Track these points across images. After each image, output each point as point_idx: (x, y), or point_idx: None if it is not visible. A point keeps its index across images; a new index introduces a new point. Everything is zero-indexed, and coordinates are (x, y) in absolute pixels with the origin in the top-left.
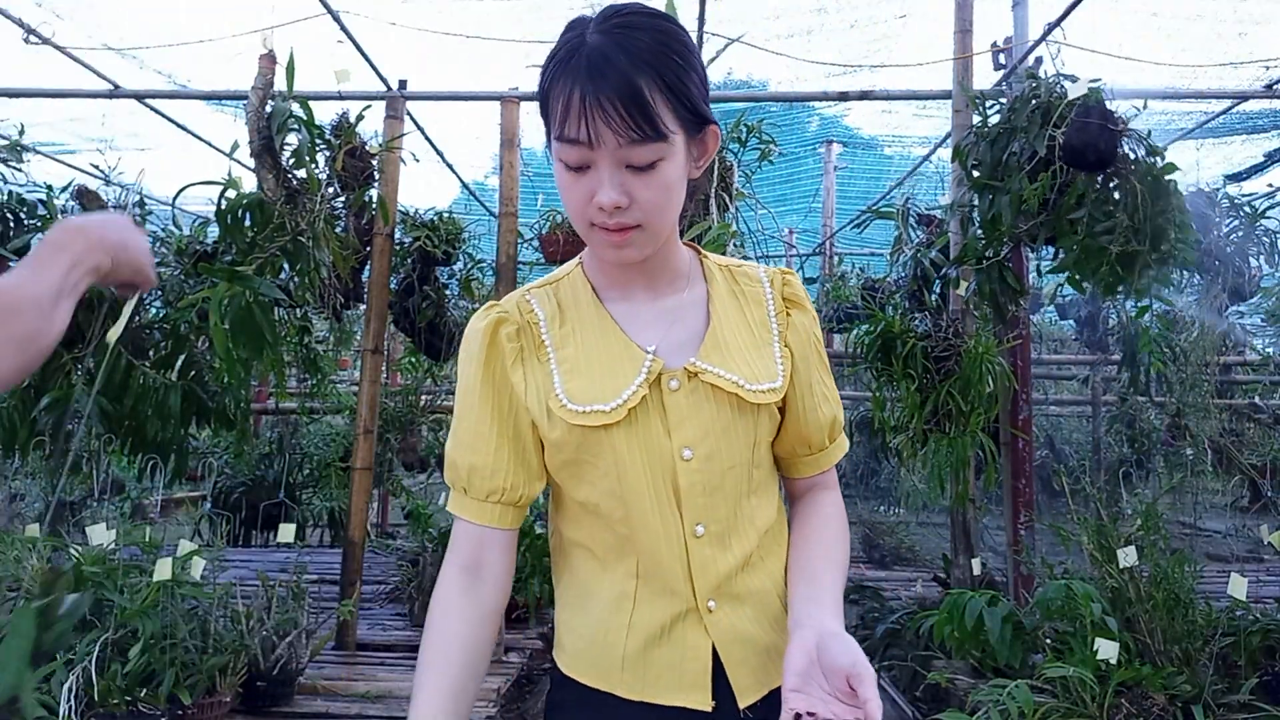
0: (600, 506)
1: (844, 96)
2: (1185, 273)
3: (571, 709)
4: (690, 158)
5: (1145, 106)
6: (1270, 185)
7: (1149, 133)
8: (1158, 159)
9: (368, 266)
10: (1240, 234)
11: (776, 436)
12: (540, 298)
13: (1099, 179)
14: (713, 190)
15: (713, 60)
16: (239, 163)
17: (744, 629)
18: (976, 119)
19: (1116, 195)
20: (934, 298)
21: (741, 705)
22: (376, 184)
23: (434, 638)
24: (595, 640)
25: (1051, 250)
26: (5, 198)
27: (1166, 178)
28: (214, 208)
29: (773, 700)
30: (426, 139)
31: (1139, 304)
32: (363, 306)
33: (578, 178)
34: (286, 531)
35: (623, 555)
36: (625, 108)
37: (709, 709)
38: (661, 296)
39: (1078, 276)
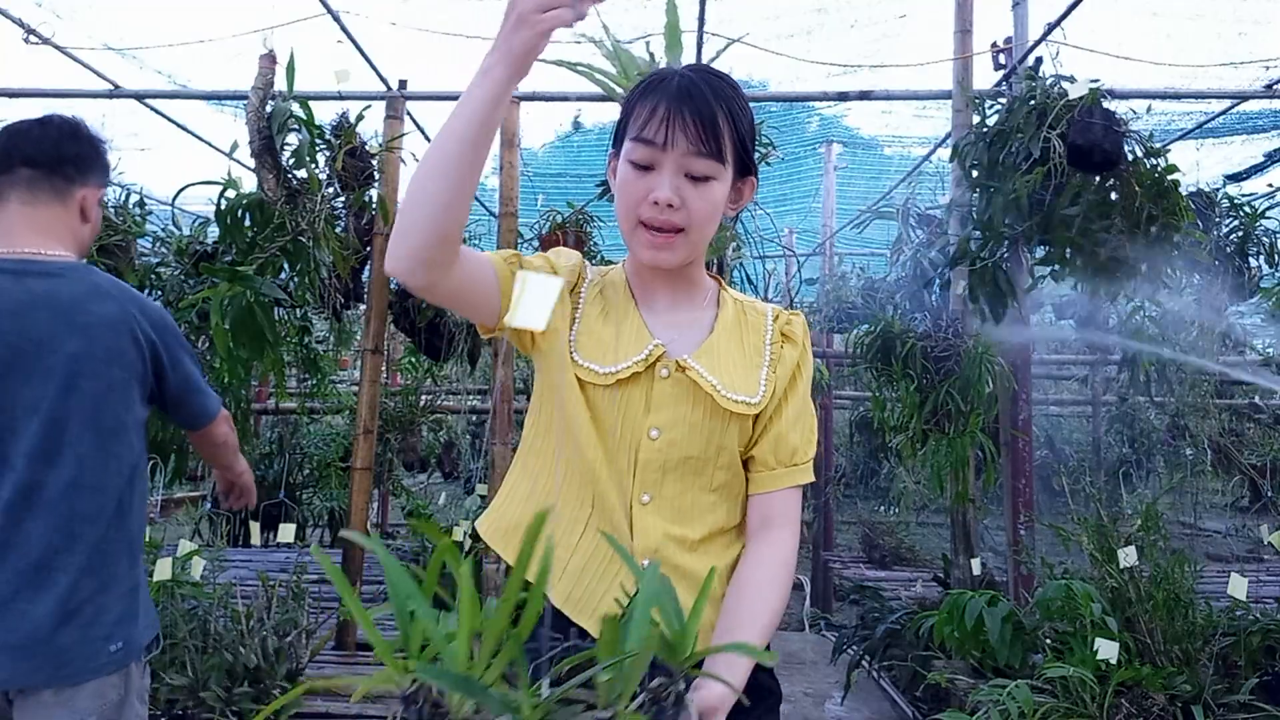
0: (578, 438)
1: (844, 96)
2: (1182, 273)
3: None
4: (730, 198)
5: (1150, 110)
6: (1270, 185)
7: (1150, 134)
8: (1159, 160)
9: (368, 266)
10: (1240, 234)
11: (746, 449)
12: (595, 271)
13: (1097, 180)
14: None
15: (713, 60)
16: (239, 163)
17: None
18: (976, 119)
19: (1114, 196)
20: (934, 298)
21: None
22: (376, 184)
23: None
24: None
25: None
26: None
27: (1169, 178)
28: (214, 208)
29: None
30: (427, 139)
31: (1130, 304)
32: (363, 306)
33: (640, 177)
34: (286, 531)
35: (583, 488)
36: (701, 123)
37: None
38: (679, 309)
39: (1064, 271)
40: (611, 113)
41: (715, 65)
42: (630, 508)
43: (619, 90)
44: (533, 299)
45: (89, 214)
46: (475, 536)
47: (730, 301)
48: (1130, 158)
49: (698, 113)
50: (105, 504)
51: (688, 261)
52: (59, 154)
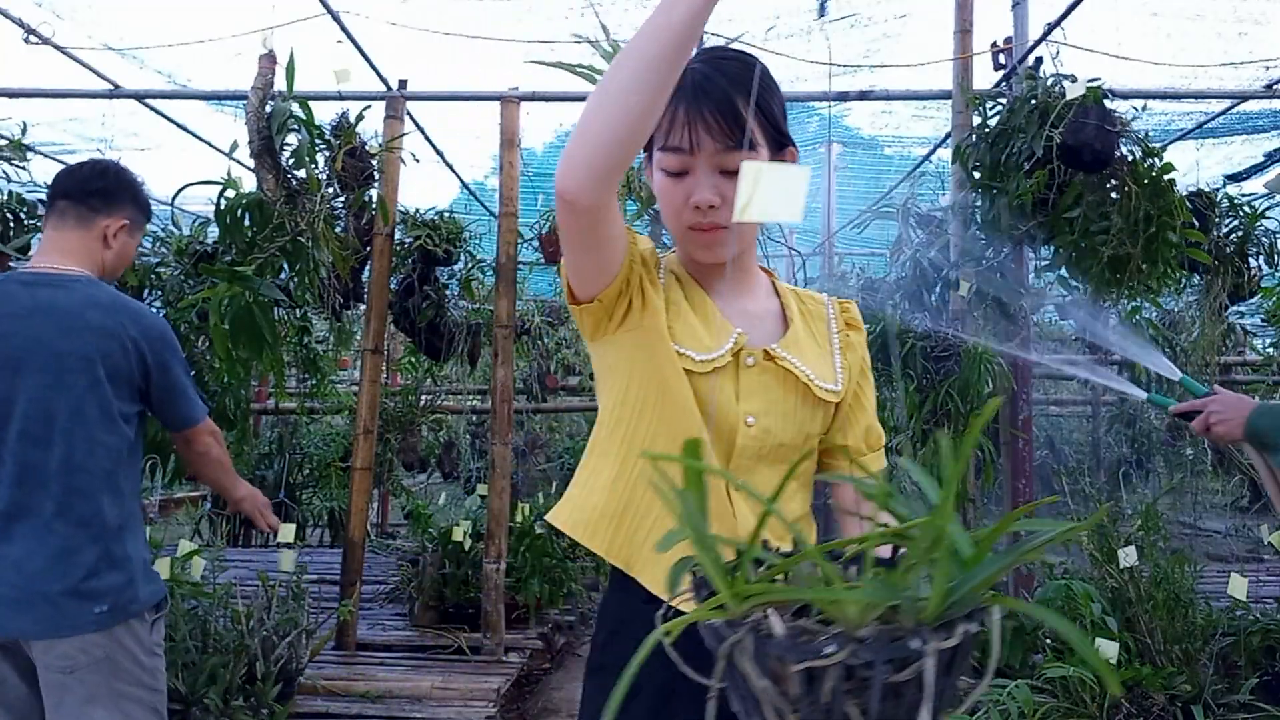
0: (673, 427)
1: (844, 96)
2: (1182, 273)
3: (617, 605)
4: None
5: (1145, 107)
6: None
7: (1146, 134)
8: (1155, 159)
9: (368, 266)
10: (1240, 234)
11: (827, 436)
12: (664, 257)
13: (1098, 179)
14: None
15: None
16: (239, 163)
17: None
18: (976, 119)
19: (1114, 197)
20: (934, 298)
21: None
22: (376, 184)
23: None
24: (646, 547)
25: (1050, 250)
26: (5, 198)
27: (1165, 177)
28: (214, 208)
29: None
30: (426, 139)
31: (1130, 305)
32: (363, 306)
33: (676, 184)
34: (286, 531)
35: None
36: (723, 118)
37: None
38: (744, 299)
39: (1068, 276)
40: None
41: None
42: (730, 497)
43: None
44: (776, 191)
45: (110, 241)
46: (477, 535)
47: (788, 292)
48: (1130, 158)
49: (718, 108)
50: (95, 482)
51: (742, 250)
52: (86, 188)
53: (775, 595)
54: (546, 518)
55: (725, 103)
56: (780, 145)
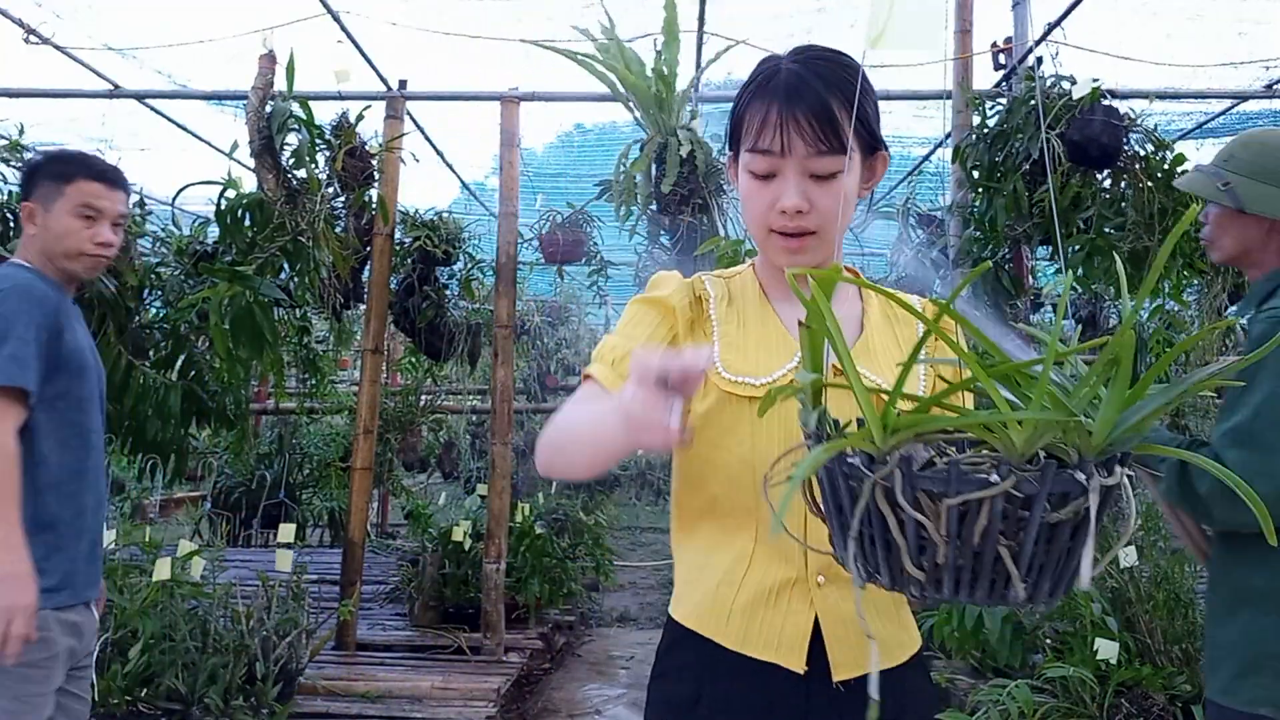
0: (731, 471)
1: None
2: (1202, 265)
3: (680, 649)
4: (862, 178)
5: (1150, 104)
6: None
7: (1155, 127)
8: (1166, 153)
9: (368, 266)
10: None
11: None
12: (713, 281)
13: (1103, 178)
14: (710, 194)
15: (713, 61)
16: (239, 163)
17: (848, 611)
18: (976, 119)
19: (1128, 194)
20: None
21: (836, 678)
22: (376, 184)
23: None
24: (709, 593)
25: (1048, 250)
26: (5, 197)
27: (1179, 169)
28: (214, 208)
29: (867, 682)
30: (426, 139)
31: (1151, 302)
32: (363, 306)
33: (763, 186)
34: (286, 531)
35: (744, 522)
36: (816, 122)
37: (801, 671)
38: None
39: (1085, 276)
40: (611, 113)
41: (716, 66)
42: (805, 520)
43: (621, 88)
44: (911, 18)
45: (31, 224)
46: (476, 536)
47: (874, 295)
48: (1142, 153)
49: (811, 111)
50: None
51: (827, 259)
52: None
53: (931, 424)
54: (670, 612)
55: (819, 106)
56: (873, 149)
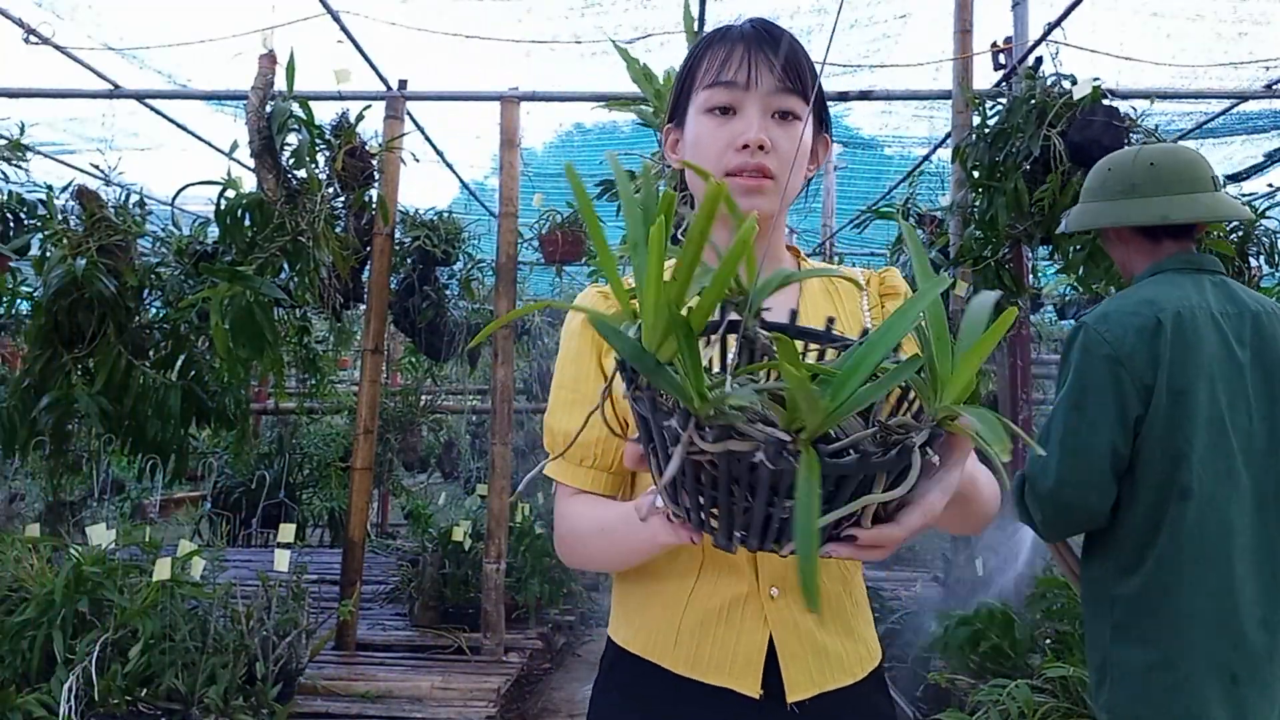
0: None
1: (844, 96)
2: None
3: (620, 688)
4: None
5: (1151, 105)
6: (1270, 185)
7: (1155, 127)
8: None
9: (368, 266)
10: (1240, 234)
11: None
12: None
13: None
14: None
15: None
16: (239, 163)
17: (805, 624)
18: (976, 119)
19: None
20: None
21: (790, 699)
22: (376, 184)
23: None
24: (652, 612)
25: (1048, 250)
26: (5, 197)
27: None
28: (214, 208)
29: (824, 702)
30: (426, 139)
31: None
32: (363, 306)
33: (721, 125)
34: (286, 531)
35: None
36: (785, 58)
37: (756, 696)
38: None
39: (1086, 277)
40: (611, 113)
41: None
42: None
43: (651, 114)
44: None
45: None
46: (476, 536)
47: (810, 276)
48: None
49: (778, 49)
50: None
51: (775, 211)
52: None
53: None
54: (610, 634)
55: (787, 46)
56: (821, 123)
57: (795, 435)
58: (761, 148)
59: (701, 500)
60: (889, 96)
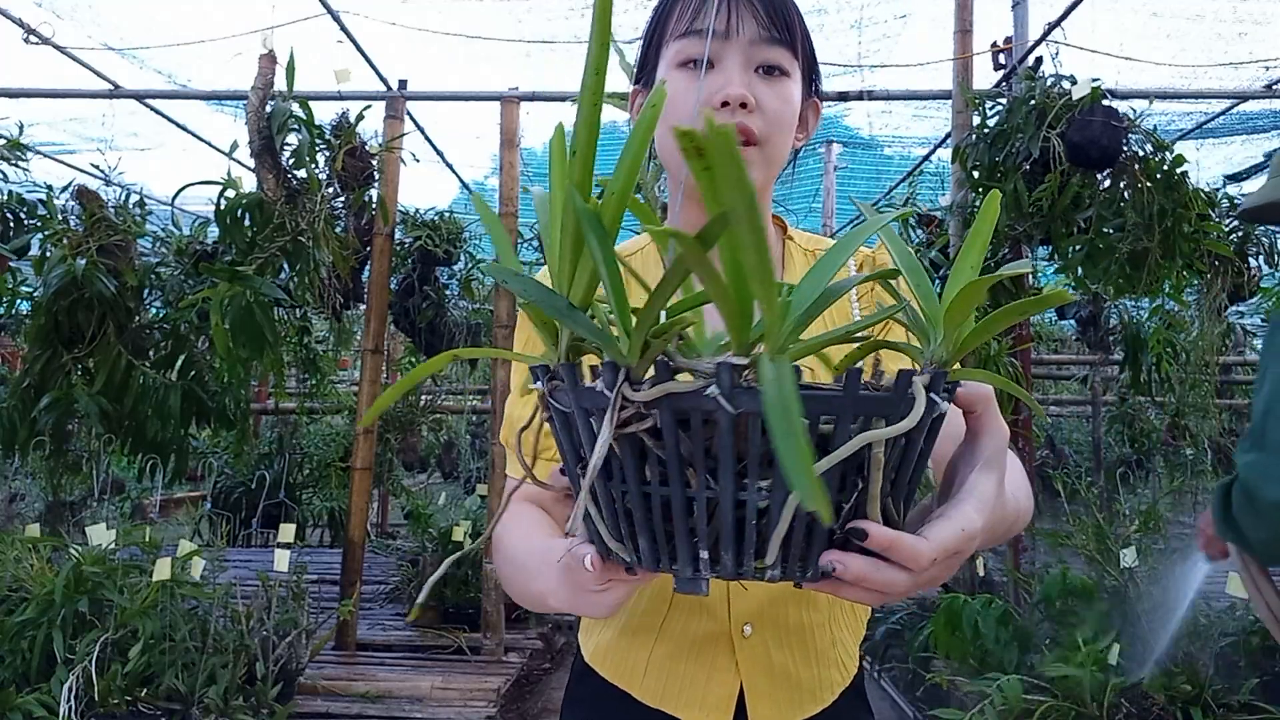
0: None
1: (844, 96)
2: (1201, 267)
3: (589, 703)
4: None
5: (1150, 105)
6: None
7: (1154, 128)
8: (1166, 153)
9: (368, 266)
10: (1240, 234)
11: None
12: None
13: (1103, 178)
14: None
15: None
16: (239, 163)
17: (779, 660)
18: (976, 119)
19: (1128, 194)
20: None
21: None
22: (376, 184)
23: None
24: (623, 640)
25: (1047, 250)
26: (5, 197)
27: (1178, 170)
28: (214, 208)
29: None
30: (426, 139)
31: (1152, 302)
32: (363, 306)
33: (696, 79)
34: (286, 531)
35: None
36: (770, 4)
37: None
38: None
39: (1085, 277)
40: (611, 113)
41: None
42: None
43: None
44: None
45: None
46: (476, 536)
47: (797, 254)
48: (1141, 154)
49: (762, 2)
50: None
51: (762, 183)
52: None
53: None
54: (588, 659)
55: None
56: (810, 84)
57: (752, 358)
58: (744, 105)
59: (650, 513)
60: (889, 96)
